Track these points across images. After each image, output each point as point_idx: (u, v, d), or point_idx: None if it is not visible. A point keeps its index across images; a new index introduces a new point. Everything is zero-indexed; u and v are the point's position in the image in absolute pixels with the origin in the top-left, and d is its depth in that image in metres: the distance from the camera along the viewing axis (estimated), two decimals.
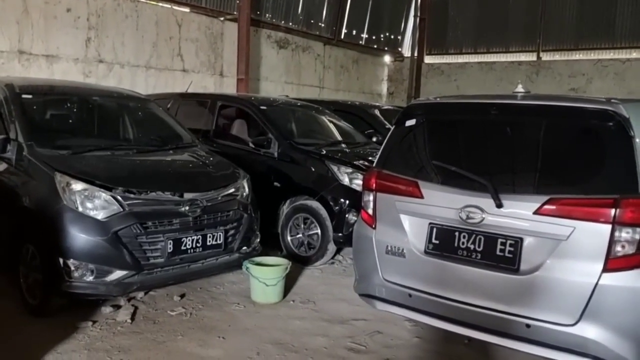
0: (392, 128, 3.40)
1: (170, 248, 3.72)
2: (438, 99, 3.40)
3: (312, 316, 4.05)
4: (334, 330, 3.80)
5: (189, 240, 3.83)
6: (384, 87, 14.87)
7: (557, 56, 12.54)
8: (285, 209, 5.44)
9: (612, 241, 2.51)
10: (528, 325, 2.70)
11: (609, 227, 2.51)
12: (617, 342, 2.53)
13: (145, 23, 8.94)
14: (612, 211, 2.51)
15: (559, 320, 2.62)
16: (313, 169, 5.33)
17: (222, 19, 10.26)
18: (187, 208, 3.83)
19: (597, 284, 2.53)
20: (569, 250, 2.60)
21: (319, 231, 5.18)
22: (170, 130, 5.03)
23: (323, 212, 5.15)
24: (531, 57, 12.82)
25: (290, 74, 11.77)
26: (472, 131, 3.16)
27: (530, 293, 2.69)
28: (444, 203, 2.95)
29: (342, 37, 13.37)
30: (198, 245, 3.88)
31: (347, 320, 3.97)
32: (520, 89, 3.21)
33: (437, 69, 14.13)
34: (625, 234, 2.50)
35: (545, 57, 12.67)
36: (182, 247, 3.80)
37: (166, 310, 3.96)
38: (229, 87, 10.07)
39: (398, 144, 3.33)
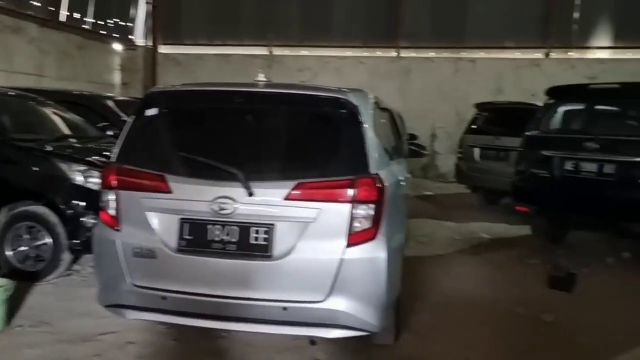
0: (131, 119, 3.08)
1: None
2: (179, 86, 3.21)
3: (47, 340, 3.45)
4: (77, 351, 3.30)
5: None
6: (116, 77, 13.80)
7: (286, 51, 13.48)
8: (1, 218, 4.54)
9: (351, 218, 2.73)
10: (285, 308, 2.76)
11: (348, 205, 2.72)
12: (362, 309, 2.77)
13: None
14: (350, 191, 2.72)
15: (312, 298, 2.75)
16: (36, 169, 4.56)
17: None
18: None
19: (342, 259, 2.72)
20: (316, 231, 2.74)
21: (49, 240, 4.47)
22: None
23: (53, 217, 4.45)
24: (264, 51, 13.50)
25: None
26: (218, 120, 3.07)
27: (284, 277, 2.76)
28: (194, 196, 2.80)
29: (63, 19, 11.88)
30: None
31: (93, 336, 3.50)
32: (261, 77, 3.25)
33: (173, 60, 13.76)
34: (361, 210, 2.74)
35: (276, 51, 13.51)
36: None
37: None
38: None
39: (139, 136, 3.04)
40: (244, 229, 2.78)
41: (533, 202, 5.72)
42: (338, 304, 2.74)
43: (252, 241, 2.77)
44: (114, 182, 2.93)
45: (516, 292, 4.69)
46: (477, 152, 8.67)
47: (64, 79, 11.81)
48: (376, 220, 2.77)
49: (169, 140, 3.03)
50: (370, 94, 3.49)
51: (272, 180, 2.79)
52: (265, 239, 2.76)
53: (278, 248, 2.76)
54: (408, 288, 4.64)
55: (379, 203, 2.78)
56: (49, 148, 4.76)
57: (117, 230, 2.94)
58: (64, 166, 4.51)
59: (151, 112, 3.02)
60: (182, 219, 2.83)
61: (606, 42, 12.33)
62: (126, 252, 2.90)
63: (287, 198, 2.73)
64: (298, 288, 2.76)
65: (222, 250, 2.79)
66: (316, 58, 13.25)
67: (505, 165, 7.51)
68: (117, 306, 3.02)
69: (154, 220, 2.87)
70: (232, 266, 2.79)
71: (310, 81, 13.09)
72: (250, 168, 2.81)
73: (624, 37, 12.10)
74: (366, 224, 2.75)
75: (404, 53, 13.00)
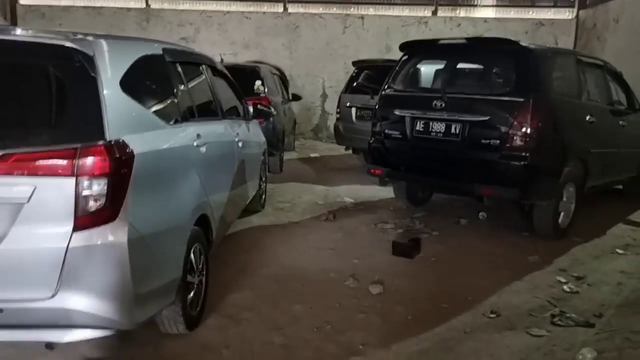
0: None
1: None
2: None
3: None
4: None
5: None
6: None
7: (165, 4, 12.40)
8: None
9: (78, 196, 2.20)
10: (1, 310, 2.22)
11: (72, 180, 2.20)
12: (101, 305, 2.29)
13: None
14: (73, 162, 2.19)
15: (35, 295, 2.23)
16: None
17: None
18: None
19: (68, 246, 2.21)
20: (33, 213, 2.20)
21: None
22: None
23: None
24: (140, 4, 12.34)
25: None
26: None
27: None
28: None
29: None
30: None
31: None
32: None
33: (36, 11, 12.26)
34: (93, 186, 2.23)
35: (154, 4, 12.39)
36: None
37: None
38: None
39: None
40: None
41: (387, 164, 5.46)
42: (69, 300, 2.24)
43: None
44: None
45: (355, 262, 4.43)
46: (353, 112, 8.37)
47: None
48: (114, 198, 2.27)
49: None
50: (146, 44, 2.94)
51: None
52: None
53: None
54: (241, 263, 4.28)
55: (117, 177, 2.27)
56: None
57: None
58: None
59: None
60: None
61: (491, 1, 12.36)
62: None
63: None
64: (15, 284, 2.23)
65: None
66: (198, 12, 12.31)
67: None
68: None
69: None
70: None
71: (191, 38, 12.20)
72: None
73: None
74: (99, 204, 2.24)
75: (292, 8, 12.35)
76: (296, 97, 10.19)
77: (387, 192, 6.66)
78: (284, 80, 10.25)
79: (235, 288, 3.79)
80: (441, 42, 5.29)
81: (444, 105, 4.96)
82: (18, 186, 2.17)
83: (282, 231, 5.28)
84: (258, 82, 7.54)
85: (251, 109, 5.18)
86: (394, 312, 3.55)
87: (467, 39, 5.16)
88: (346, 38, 12.25)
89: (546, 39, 11.65)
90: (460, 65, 5.34)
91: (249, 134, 4.94)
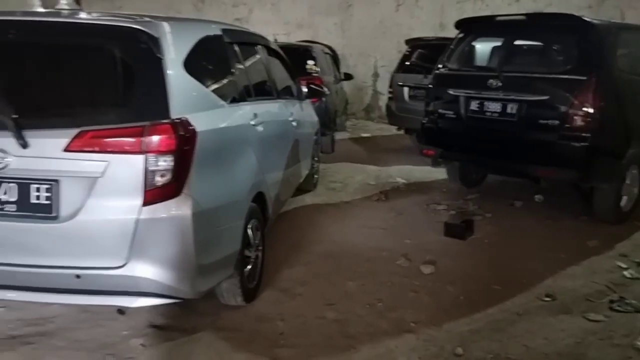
0: None
1: None
2: None
3: None
4: None
5: None
6: None
7: None
8: None
9: (147, 172, 2.34)
10: (78, 276, 2.40)
11: (141, 157, 2.33)
12: (167, 274, 2.44)
13: None
14: (142, 140, 2.31)
15: (108, 264, 2.40)
16: None
17: None
18: None
19: (138, 219, 2.35)
20: (106, 187, 2.35)
21: None
22: None
23: None
24: None
25: None
26: None
27: (74, 241, 2.38)
28: None
29: None
30: None
31: None
32: (64, 4, 2.74)
33: None
34: (160, 162, 2.35)
35: None
36: None
37: None
38: None
39: None
40: (23, 186, 2.37)
41: (440, 144, 5.41)
42: (138, 269, 2.39)
43: (34, 200, 2.37)
44: None
45: (407, 242, 4.45)
46: (406, 91, 8.28)
47: None
48: (179, 174, 2.39)
49: None
50: (206, 25, 3.03)
51: (50, 128, 2.36)
52: (47, 198, 2.36)
53: (64, 208, 2.36)
54: (295, 240, 4.39)
55: (182, 154, 2.39)
56: None
57: None
58: None
59: None
60: None
61: None
62: None
63: (67, 149, 2.31)
64: (91, 253, 2.39)
65: (1, 212, 2.39)
66: None
67: None
68: None
69: None
70: (14, 230, 2.40)
71: (245, 18, 12.34)
72: (27, 114, 2.36)
73: None
74: (166, 179, 2.36)
75: None
76: (348, 77, 10.17)
77: (439, 173, 6.61)
78: (336, 59, 10.24)
79: (289, 264, 3.91)
80: (499, 18, 5.14)
81: (500, 84, 4.84)
82: (93, 161, 2.32)
83: (334, 210, 5.36)
84: (310, 62, 7.58)
85: (305, 89, 5.24)
86: (445, 292, 3.57)
87: (526, 15, 4.99)
88: (399, 16, 12.05)
89: (612, 13, 11.03)
90: (517, 43, 5.18)
91: (302, 114, 5.01)
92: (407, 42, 8.88)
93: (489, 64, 5.36)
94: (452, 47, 5.51)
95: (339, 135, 9.29)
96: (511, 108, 4.77)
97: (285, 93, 4.59)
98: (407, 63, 8.54)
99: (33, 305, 3.08)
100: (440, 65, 5.53)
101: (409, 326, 3.10)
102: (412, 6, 11.99)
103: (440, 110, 5.35)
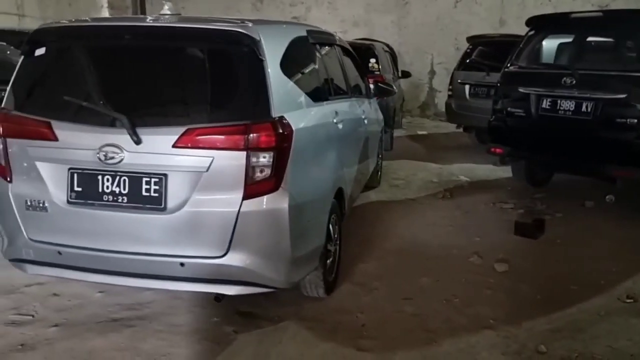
0: (21, 59, 2.81)
1: None
2: (67, 22, 2.89)
3: None
4: None
5: None
6: (105, 15, 13.34)
7: None
8: None
9: (248, 167, 2.48)
10: (182, 264, 2.58)
11: (243, 153, 2.47)
12: (264, 265, 2.58)
13: None
14: (244, 137, 2.45)
15: (210, 253, 2.56)
16: None
17: None
18: None
19: (239, 212, 2.50)
20: (211, 181, 2.50)
21: None
22: None
23: None
24: None
25: None
26: (107, 59, 2.78)
27: (180, 231, 2.55)
28: (81, 144, 2.57)
29: None
30: None
31: (17, 288, 3.42)
32: (167, 10, 2.92)
33: None
34: (260, 159, 2.49)
35: None
36: None
37: None
38: None
39: (28, 79, 2.78)
40: (135, 179, 2.56)
41: (508, 143, 5.37)
42: (237, 259, 2.54)
43: (144, 193, 2.55)
44: (1, 131, 2.71)
45: (477, 240, 4.46)
46: (467, 89, 8.21)
47: (49, 19, 11.42)
48: (277, 169, 2.51)
49: (56, 82, 2.76)
50: (295, 27, 3.15)
51: (160, 126, 2.53)
52: (157, 191, 2.54)
53: (172, 200, 2.54)
54: (364, 236, 4.48)
55: (280, 151, 2.52)
56: None
57: (9, 181, 2.75)
58: None
59: (40, 51, 2.74)
60: (71, 169, 2.62)
61: None
62: (19, 205, 2.72)
63: (175, 146, 2.47)
64: (195, 243, 2.56)
65: (114, 203, 2.58)
66: None
67: None
68: (19, 260, 2.88)
69: (44, 170, 2.66)
70: (126, 220, 2.59)
71: (302, 17, 12.50)
72: (139, 113, 2.55)
73: None
74: (265, 174, 2.50)
75: None
76: (406, 74, 10.16)
77: (503, 171, 6.55)
78: (394, 57, 10.25)
79: (362, 258, 4.00)
80: (574, 15, 5.05)
81: (574, 82, 4.76)
82: (199, 157, 2.48)
83: (400, 207, 5.41)
84: (372, 60, 7.64)
85: (372, 87, 5.31)
86: (521, 290, 3.58)
87: (602, 11, 4.89)
88: (457, 13, 11.93)
89: None
90: (591, 40, 5.07)
91: (371, 111, 5.09)
92: (469, 39, 8.79)
93: (561, 61, 5.27)
94: (521, 45, 5.45)
95: (395, 133, 9.31)
96: (586, 106, 4.69)
97: (357, 91, 4.68)
98: (468, 60, 8.46)
99: (128, 290, 3.31)
100: (508, 64, 5.48)
101: (488, 323, 3.13)
102: (471, 2, 11.85)
103: (509, 109, 5.31)
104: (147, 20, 2.84)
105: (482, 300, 3.42)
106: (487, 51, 8.21)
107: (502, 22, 11.20)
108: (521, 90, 5.18)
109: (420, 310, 3.27)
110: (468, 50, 8.58)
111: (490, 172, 6.82)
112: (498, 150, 5.44)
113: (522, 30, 8.82)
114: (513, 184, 6.21)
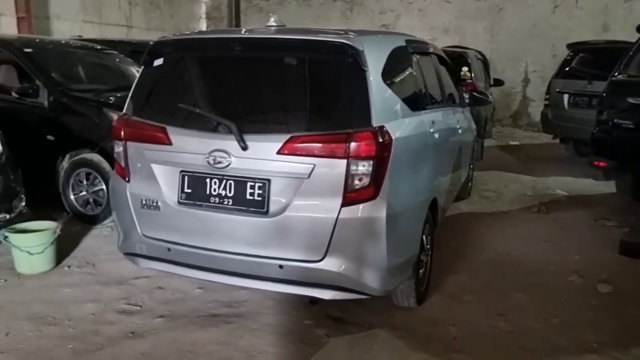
0: (141, 69, 3.06)
1: None
2: (182, 35, 3.10)
3: (86, 281, 3.69)
4: (108, 293, 3.50)
5: None
6: (202, 26, 14.10)
7: None
8: (64, 164, 4.87)
9: (348, 175, 2.53)
10: (281, 266, 2.67)
11: (344, 161, 2.52)
12: (360, 271, 2.62)
13: None
14: (346, 146, 2.51)
15: (308, 257, 2.63)
16: (91, 118, 4.79)
17: None
18: None
19: (337, 218, 2.55)
20: (311, 188, 2.58)
21: (104, 187, 4.72)
22: None
23: (106, 165, 4.68)
24: None
25: (88, 11, 10.47)
26: (217, 69, 2.95)
27: (280, 234, 2.65)
28: (192, 149, 2.74)
29: None
30: None
31: (127, 280, 3.69)
32: (273, 22, 3.05)
33: (256, 6, 13.71)
34: (358, 167, 2.53)
35: None
36: None
37: None
38: (8, 28, 8.63)
39: (147, 87, 3.01)
40: (240, 183, 2.69)
41: (614, 156, 5.05)
42: (334, 264, 2.60)
43: (248, 197, 2.68)
44: (122, 134, 2.96)
45: (577, 258, 4.23)
46: (565, 98, 7.82)
47: (152, 29, 12.28)
48: (376, 178, 2.54)
49: (171, 90, 2.98)
50: (394, 37, 3.17)
51: (265, 133, 2.65)
52: (260, 195, 2.66)
53: (274, 204, 2.64)
54: (455, 247, 4.40)
55: (380, 160, 2.54)
56: (108, 99, 4.96)
57: (127, 181, 2.99)
58: (113, 116, 4.68)
59: (158, 62, 2.97)
60: (182, 171, 2.80)
61: None
62: (135, 204, 2.95)
63: (279, 152, 2.57)
64: (294, 246, 2.64)
65: (220, 205, 2.73)
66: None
67: None
68: (132, 254, 3.11)
69: (158, 172, 2.87)
70: (230, 221, 2.73)
71: (392, 24, 12.49)
72: (246, 120, 2.68)
73: None
74: (365, 182, 2.54)
75: None
76: (498, 82, 9.85)
77: (604, 186, 6.17)
78: (486, 65, 9.97)
79: (453, 270, 3.93)
80: None
81: None
82: (301, 164, 2.57)
83: (492, 219, 5.25)
84: (465, 68, 7.49)
85: (466, 96, 5.21)
86: (627, 313, 3.36)
87: None
88: (556, 18, 11.39)
89: None
90: None
91: (465, 121, 5.00)
92: (570, 46, 8.37)
93: None
94: (631, 53, 5.12)
95: (486, 143, 9.04)
96: None
97: (452, 100, 4.61)
98: (568, 68, 8.06)
99: (225, 288, 3.48)
100: (616, 72, 5.17)
101: (592, 346, 2.97)
102: (572, 7, 11.26)
103: (615, 120, 5.00)
104: (255, 32, 2.98)
105: (583, 321, 3.25)
106: (589, 58, 7.79)
107: (606, 28, 10.55)
108: (630, 100, 4.87)
109: (515, 328, 3.16)
110: (568, 58, 8.17)
111: (591, 186, 6.44)
112: (602, 163, 5.14)
113: (627, 36, 8.36)
114: (616, 200, 5.83)
